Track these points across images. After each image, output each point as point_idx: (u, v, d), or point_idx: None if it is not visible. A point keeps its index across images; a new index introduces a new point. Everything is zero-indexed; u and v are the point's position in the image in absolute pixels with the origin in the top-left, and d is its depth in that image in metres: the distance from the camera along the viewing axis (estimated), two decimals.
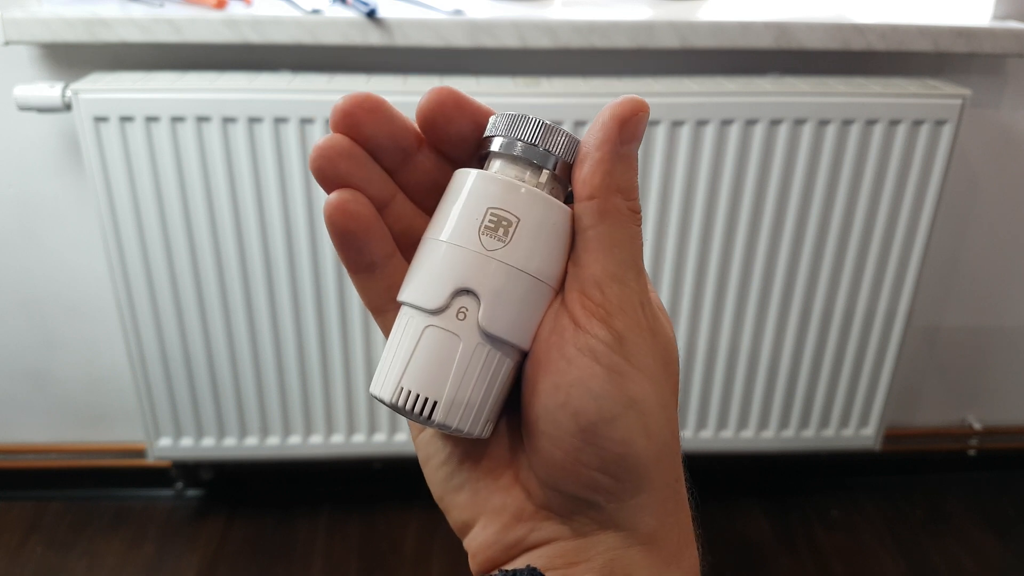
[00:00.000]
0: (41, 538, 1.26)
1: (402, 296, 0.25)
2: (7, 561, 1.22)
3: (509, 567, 0.25)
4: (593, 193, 0.24)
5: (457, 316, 0.24)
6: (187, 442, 1.15)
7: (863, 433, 1.21)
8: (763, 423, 1.20)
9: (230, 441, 1.16)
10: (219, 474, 1.32)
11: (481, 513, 0.27)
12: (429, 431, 0.28)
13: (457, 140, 0.26)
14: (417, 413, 0.24)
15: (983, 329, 1.31)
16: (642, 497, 0.25)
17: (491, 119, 0.26)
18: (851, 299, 1.11)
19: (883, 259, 1.09)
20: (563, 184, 0.26)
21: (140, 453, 1.25)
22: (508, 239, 0.24)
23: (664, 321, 0.26)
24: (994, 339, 1.32)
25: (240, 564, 1.22)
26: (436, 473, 0.28)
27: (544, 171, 0.25)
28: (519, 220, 0.24)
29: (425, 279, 0.25)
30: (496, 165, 0.26)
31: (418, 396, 0.24)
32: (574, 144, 0.25)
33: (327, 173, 0.25)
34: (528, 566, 0.24)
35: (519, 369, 0.26)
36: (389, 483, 1.34)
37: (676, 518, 0.26)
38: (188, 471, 1.31)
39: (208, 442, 1.16)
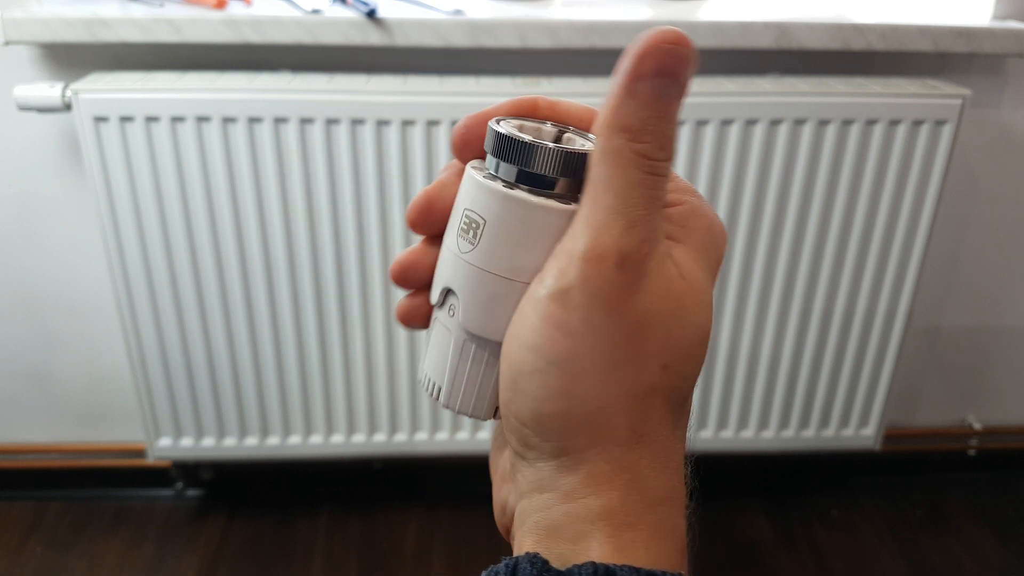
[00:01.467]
0: (41, 538, 1.26)
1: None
2: (7, 561, 1.22)
3: (516, 534, 0.25)
4: (596, 131, 0.22)
5: (449, 312, 0.26)
6: (187, 442, 1.15)
7: (863, 433, 1.21)
8: (763, 423, 1.20)
9: (230, 441, 1.16)
10: (219, 474, 1.32)
11: (494, 481, 0.28)
12: None
13: None
14: (431, 395, 0.27)
15: (983, 329, 1.31)
16: (565, 459, 0.23)
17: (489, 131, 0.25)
18: (851, 299, 1.11)
19: (883, 259, 1.09)
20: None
21: (140, 453, 1.25)
22: (476, 241, 0.24)
23: (665, 285, 0.23)
24: (994, 339, 1.32)
25: (240, 564, 1.22)
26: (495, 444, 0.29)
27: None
28: (485, 222, 0.24)
29: (434, 276, 0.27)
30: (487, 161, 0.26)
31: (430, 380, 0.27)
32: (563, 157, 0.24)
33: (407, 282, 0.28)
34: (527, 553, 0.23)
35: None
36: (389, 483, 1.34)
37: (627, 492, 0.23)
38: (188, 471, 1.31)
39: (208, 442, 1.16)
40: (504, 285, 0.24)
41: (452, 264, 0.25)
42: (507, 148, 0.24)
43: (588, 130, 0.26)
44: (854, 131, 1.00)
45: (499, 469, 0.27)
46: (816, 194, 1.03)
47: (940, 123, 1.00)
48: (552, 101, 0.27)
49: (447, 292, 0.26)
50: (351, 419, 1.15)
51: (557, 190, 0.24)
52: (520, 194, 0.23)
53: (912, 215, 1.06)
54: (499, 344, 0.25)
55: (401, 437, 1.17)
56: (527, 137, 0.24)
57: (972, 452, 1.41)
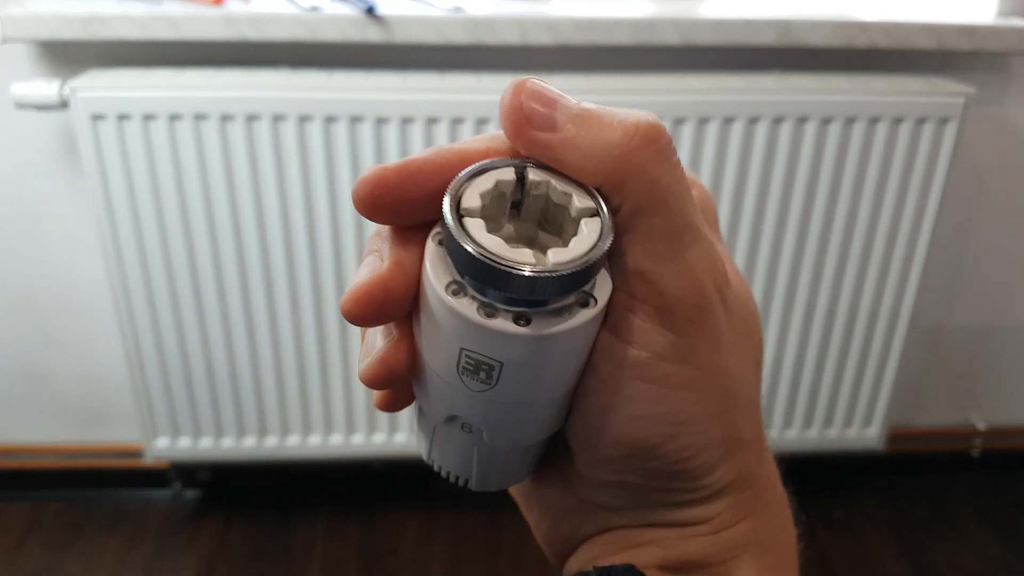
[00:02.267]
0: (38, 539, 1.25)
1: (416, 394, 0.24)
2: (5, 562, 1.21)
3: (603, 562, 0.23)
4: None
5: (464, 429, 0.22)
6: (185, 443, 1.15)
7: (867, 433, 1.21)
8: (766, 423, 1.19)
9: (228, 442, 1.15)
10: (217, 475, 1.32)
11: (535, 508, 0.26)
12: None
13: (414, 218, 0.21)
14: (455, 484, 0.25)
15: (987, 329, 1.30)
16: (694, 496, 0.22)
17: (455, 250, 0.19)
18: (855, 298, 1.10)
19: (887, 258, 1.08)
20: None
21: (138, 454, 1.25)
22: (493, 382, 0.20)
23: (738, 288, 0.22)
24: (998, 339, 1.32)
25: (238, 565, 1.21)
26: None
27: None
28: (502, 364, 0.20)
29: (426, 393, 0.22)
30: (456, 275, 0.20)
31: (451, 473, 0.25)
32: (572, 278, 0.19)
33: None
34: (625, 564, 0.22)
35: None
36: (388, 484, 1.33)
37: (763, 514, 0.23)
38: (186, 472, 1.30)
39: (206, 443, 1.15)
40: (540, 403, 0.21)
41: (463, 398, 0.21)
42: (506, 281, 0.18)
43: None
44: (857, 129, 0.99)
45: (542, 502, 0.26)
46: (819, 192, 1.03)
47: (944, 121, 1.00)
48: (447, 156, 0.21)
49: (454, 417, 0.22)
50: (350, 419, 1.15)
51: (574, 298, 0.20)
52: (543, 330, 0.19)
53: (915, 213, 1.05)
54: (531, 445, 0.23)
55: (400, 437, 1.16)
56: (528, 266, 0.18)
57: (976, 452, 1.40)
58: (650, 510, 0.23)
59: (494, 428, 0.22)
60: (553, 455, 0.25)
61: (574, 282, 0.19)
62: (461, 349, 0.20)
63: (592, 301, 0.20)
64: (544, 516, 0.25)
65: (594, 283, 0.20)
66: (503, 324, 0.19)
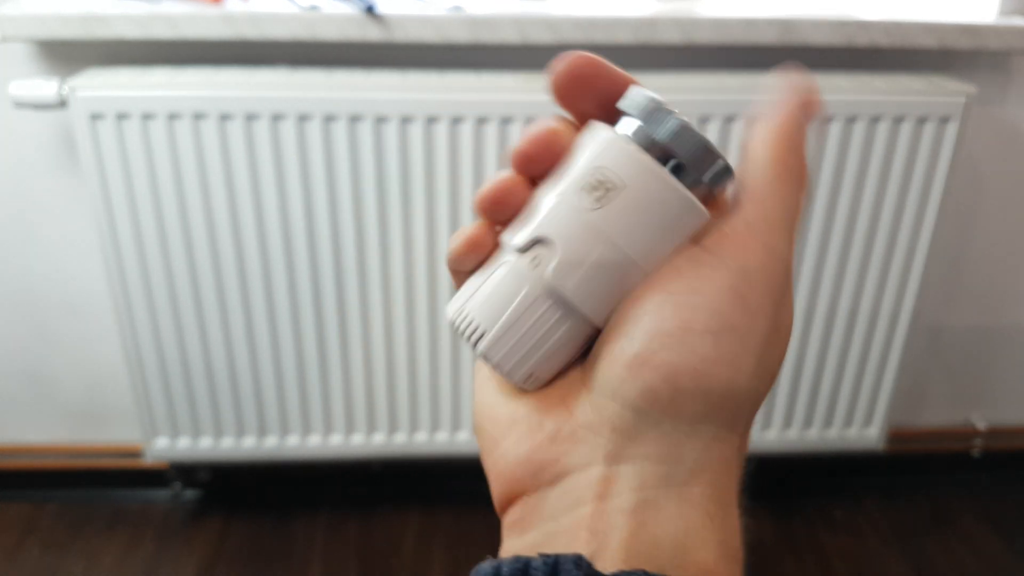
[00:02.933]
0: (38, 539, 1.25)
1: (504, 232, 0.25)
2: (4, 563, 1.21)
3: (562, 535, 0.22)
4: (766, 152, 0.24)
5: (532, 263, 0.23)
6: (184, 443, 1.15)
7: (867, 433, 1.21)
8: (766, 423, 1.19)
9: (228, 442, 1.15)
10: (217, 475, 1.32)
11: (514, 430, 0.24)
12: None
13: (594, 111, 0.25)
14: (467, 337, 0.24)
15: (988, 329, 1.30)
16: (699, 428, 0.22)
17: (636, 96, 0.24)
18: (855, 298, 1.10)
19: (887, 258, 1.08)
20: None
21: (137, 454, 1.24)
22: (606, 203, 0.23)
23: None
24: (999, 339, 1.32)
25: (238, 566, 1.21)
26: (486, 386, 0.26)
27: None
28: (625, 187, 0.23)
29: (521, 219, 0.24)
30: (628, 125, 0.24)
31: (473, 322, 0.24)
32: (725, 172, 0.24)
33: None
34: (641, 570, 0.21)
35: (584, 342, 0.25)
36: (388, 484, 1.33)
37: (725, 476, 0.23)
38: (185, 472, 1.30)
39: (206, 443, 1.15)
40: (619, 259, 0.23)
41: (563, 216, 0.23)
42: (684, 140, 0.23)
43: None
44: (858, 128, 0.99)
45: (528, 424, 0.24)
46: (820, 191, 1.03)
47: (945, 120, 1.00)
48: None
49: (538, 242, 0.23)
50: (350, 419, 1.14)
51: (697, 194, 0.24)
52: (679, 184, 0.23)
53: (916, 213, 1.05)
54: (580, 316, 0.24)
55: (400, 438, 1.16)
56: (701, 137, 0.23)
57: (976, 453, 1.40)
58: (648, 446, 0.22)
59: (572, 257, 0.23)
60: (563, 393, 0.25)
61: (723, 175, 0.24)
62: (598, 166, 0.23)
63: (704, 206, 0.24)
64: (525, 438, 0.24)
65: (714, 194, 0.24)
66: (650, 160, 0.23)
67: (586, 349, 0.25)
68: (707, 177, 0.23)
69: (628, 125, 0.24)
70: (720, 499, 0.23)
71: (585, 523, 0.22)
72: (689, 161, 0.23)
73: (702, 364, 0.22)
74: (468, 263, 0.25)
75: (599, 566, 0.21)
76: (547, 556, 0.21)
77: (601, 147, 0.23)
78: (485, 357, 0.24)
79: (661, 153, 0.23)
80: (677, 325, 0.22)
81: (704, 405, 0.22)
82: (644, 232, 0.23)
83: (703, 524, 0.22)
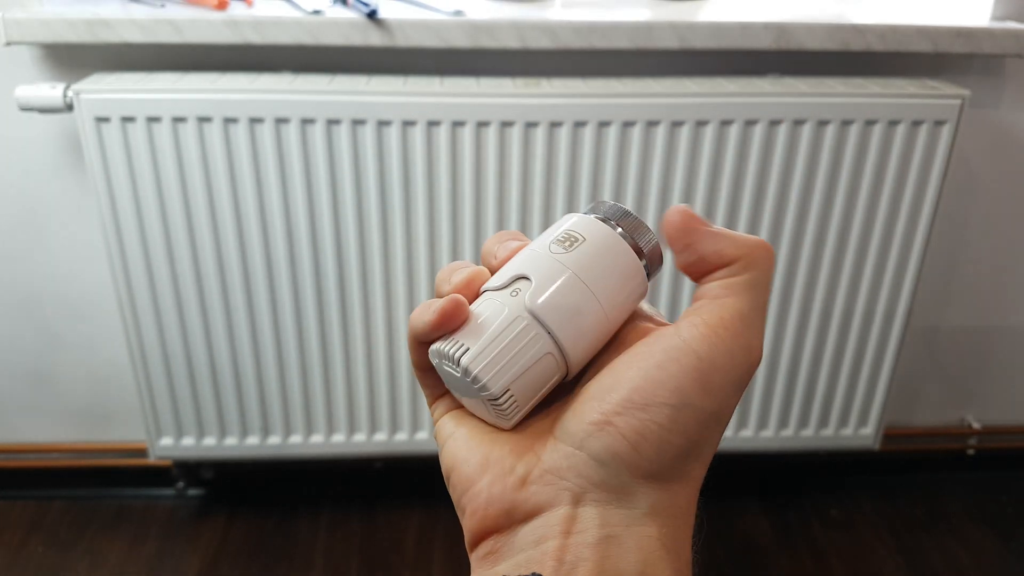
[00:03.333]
0: (42, 537, 1.26)
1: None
2: (9, 560, 1.22)
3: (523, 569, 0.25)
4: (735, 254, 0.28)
5: (511, 293, 0.28)
6: (188, 441, 1.16)
7: (862, 432, 1.22)
8: (762, 422, 1.21)
9: (231, 440, 1.16)
10: (220, 473, 1.33)
11: (488, 471, 0.27)
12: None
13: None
14: (451, 353, 0.27)
15: (982, 329, 1.31)
16: (655, 481, 0.25)
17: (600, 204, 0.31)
18: (850, 299, 1.11)
19: (882, 259, 1.09)
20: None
21: (141, 452, 1.26)
22: (571, 249, 0.29)
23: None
24: (993, 339, 1.33)
25: (241, 564, 1.22)
26: (454, 437, 0.30)
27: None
28: (584, 239, 0.29)
29: (501, 270, 0.29)
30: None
31: (458, 341, 0.28)
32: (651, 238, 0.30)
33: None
34: (533, 574, 0.23)
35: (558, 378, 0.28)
36: (390, 482, 1.34)
37: (680, 519, 0.26)
38: (189, 470, 1.31)
39: (209, 441, 1.16)
40: (582, 291, 0.28)
41: (535, 259, 0.29)
42: (627, 218, 0.30)
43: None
44: (853, 131, 1.00)
45: (501, 467, 0.27)
46: (815, 194, 1.04)
47: (939, 123, 1.01)
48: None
49: (516, 279, 0.28)
50: (352, 418, 1.16)
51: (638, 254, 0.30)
52: (625, 236, 0.30)
53: (911, 215, 1.06)
54: (553, 340, 0.28)
55: (402, 436, 1.17)
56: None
57: (971, 451, 1.41)
58: (609, 492, 0.25)
59: (544, 284, 0.28)
60: (538, 414, 0.28)
61: (656, 253, 0.30)
62: (566, 230, 0.29)
63: (645, 265, 0.30)
64: (498, 480, 0.26)
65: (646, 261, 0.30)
66: (605, 224, 0.30)
67: (551, 397, 0.28)
68: (642, 243, 0.30)
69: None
70: (676, 537, 0.26)
71: (553, 554, 0.24)
72: (629, 229, 0.30)
73: (659, 431, 0.25)
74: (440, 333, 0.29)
75: None
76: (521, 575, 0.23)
77: (572, 220, 0.30)
78: (468, 370, 0.27)
79: (614, 226, 0.30)
80: (643, 397, 0.25)
81: (659, 465, 0.25)
82: (599, 271, 0.28)
83: (660, 557, 0.24)
